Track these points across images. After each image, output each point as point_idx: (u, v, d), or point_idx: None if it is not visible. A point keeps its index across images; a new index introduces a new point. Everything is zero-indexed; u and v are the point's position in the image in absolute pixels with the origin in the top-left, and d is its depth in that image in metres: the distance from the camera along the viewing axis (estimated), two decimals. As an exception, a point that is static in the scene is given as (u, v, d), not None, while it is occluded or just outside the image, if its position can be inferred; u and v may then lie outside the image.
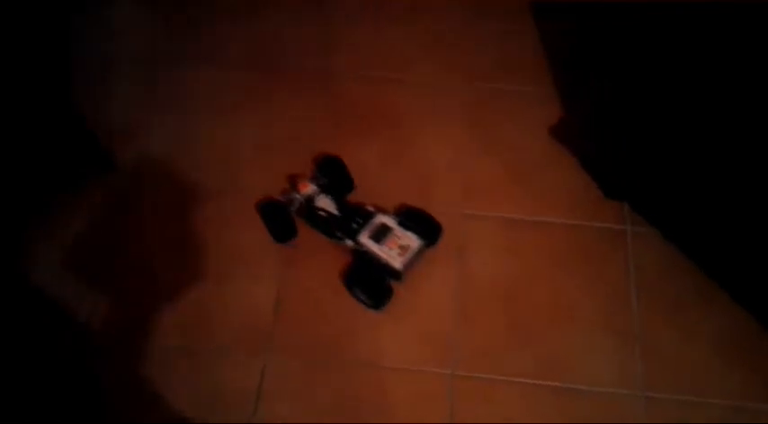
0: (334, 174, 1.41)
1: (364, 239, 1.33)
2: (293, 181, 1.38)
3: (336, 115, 1.57)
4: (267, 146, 1.52)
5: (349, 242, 1.34)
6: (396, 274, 1.32)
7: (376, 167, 1.49)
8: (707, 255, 1.32)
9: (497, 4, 1.77)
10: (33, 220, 1.42)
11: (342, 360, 1.27)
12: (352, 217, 1.35)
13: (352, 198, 1.43)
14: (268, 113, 1.58)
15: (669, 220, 1.37)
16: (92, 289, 1.35)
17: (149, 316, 1.31)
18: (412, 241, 1.33)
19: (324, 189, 1.38)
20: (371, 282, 1.33)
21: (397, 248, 1.32)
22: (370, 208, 1.37)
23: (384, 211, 1.37)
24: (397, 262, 1.31)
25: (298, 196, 1.36)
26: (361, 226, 1.34)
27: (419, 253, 1.34)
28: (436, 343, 1.29)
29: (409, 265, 1.33)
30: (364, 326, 1.30)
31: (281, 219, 1.37)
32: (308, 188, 1.37)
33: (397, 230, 1.34)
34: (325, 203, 1.36)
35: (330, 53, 1.68)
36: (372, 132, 1.54)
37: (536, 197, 1.46)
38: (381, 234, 1.33)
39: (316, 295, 1.34)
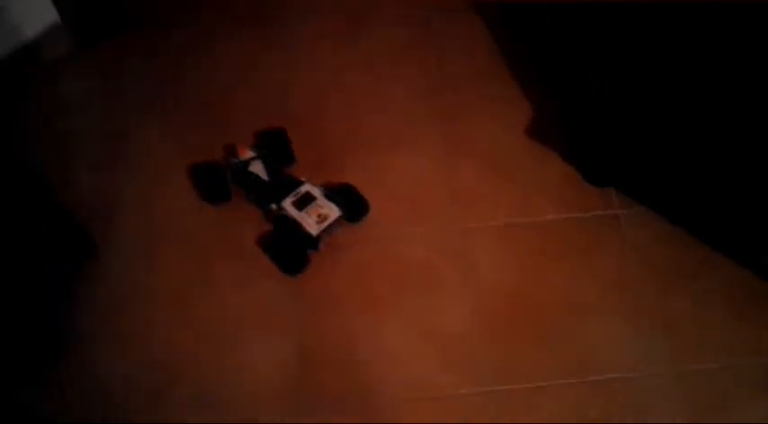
0: (272, 144, 1.48)
1: (287, 204, 1.38)
2: (233, 148, 1.46)
3: (313, 151, 1.52)
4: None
5: (273, 206, 1.39)
6: (312, 241, 1.36)
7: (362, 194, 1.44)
8: (699, 222, 1.34)
9: (444, 11, 1.75)
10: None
11: (375, 403, 1.24)
12: (282, 185, 1.41)
13: (294, 171, 1.48)
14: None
15: (658, 196, 1.38)
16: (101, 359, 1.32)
17: (164, 390, 1.27)
18: (332, 211, 1.37)
19: (262, 158, 1.45)
20: (288, 248, 1.36)
21: (316, 216, 1.36)
22: (302, 179, 1.42)
23: (313, 183, 1.41)
24: (313, 229, 1.35)
25: (235, 160, 1.43)
26: (288, 193, 1.39)
27: (337, 224, 1.38)
28: (465, 363, 1.27)
29: (326, 233, 1.37)
30: (393, 362, 1.28)
31: (216, 180, 1.45)
32: (248, 153, 1.44)
33: (321, 200, 1.39)
34: (258, 169, 1.43)
35: (289, 95, 1.64)
36: (351, 161, 1.51)
37: (525, 198, 1.46)
38: (304, 202, 1.38)
39: (336, 341, 1.31)
